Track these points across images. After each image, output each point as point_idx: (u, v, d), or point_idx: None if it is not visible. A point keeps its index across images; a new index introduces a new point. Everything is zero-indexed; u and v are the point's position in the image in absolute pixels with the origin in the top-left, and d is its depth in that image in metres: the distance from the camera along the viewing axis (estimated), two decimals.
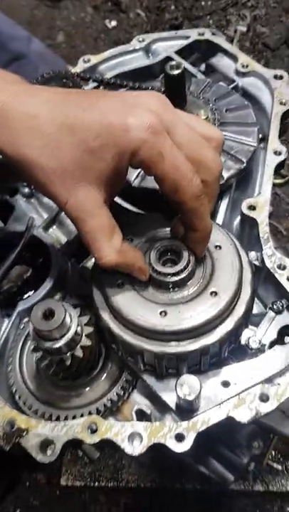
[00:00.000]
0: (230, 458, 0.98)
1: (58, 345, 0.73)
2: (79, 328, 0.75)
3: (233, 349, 0.82)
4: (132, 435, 0.74)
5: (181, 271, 0.78)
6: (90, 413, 0.80)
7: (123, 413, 0.84)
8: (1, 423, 0.77)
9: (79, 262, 1.03)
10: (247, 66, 1.22)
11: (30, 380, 0.85)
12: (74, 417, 0.79)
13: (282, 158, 1.05)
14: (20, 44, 1.66)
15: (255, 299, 0.88)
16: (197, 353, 0.75)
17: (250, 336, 0.83)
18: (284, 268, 0.89)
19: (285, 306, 0.87)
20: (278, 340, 0.86)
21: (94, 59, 1.30)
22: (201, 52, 1.33)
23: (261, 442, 1.04)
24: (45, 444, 0.75)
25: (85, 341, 0.77)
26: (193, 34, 1.32)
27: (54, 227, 1.06)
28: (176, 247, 0.82)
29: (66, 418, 0.80)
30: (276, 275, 0.89)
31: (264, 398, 0.76)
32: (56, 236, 1.05)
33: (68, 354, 0.75)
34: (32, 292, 0.94)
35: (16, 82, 0.75)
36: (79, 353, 0.76)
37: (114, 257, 0.73)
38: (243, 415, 0.75)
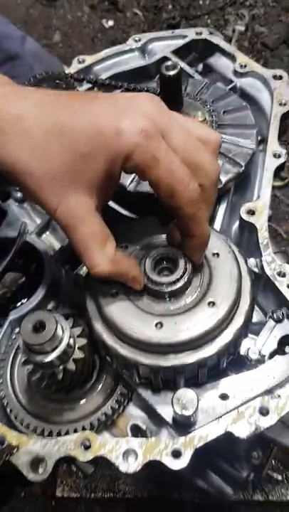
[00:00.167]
0: (229, 472, 0.95)
1: (49, 358, 0.70)
2: (71, 340, 0.73)
3: (231, 360, 0.79)
4: (126, 452, 0.71)
5: (178, 280, 0.75)
6: (83, 428, 0.77)
7: (118, 427, 0.81)
8: None
9: (73, 269, 1.00)
10: (245, 66, 1.20)
11: (22, 393, 0.82)
12: (67, 432, 0.76)
13: (281, 160, 1.02)
14: (14, 44, 1.62)
15: (255, 306, 0.85)
16: (194, 366, 0.73)
17: (249, 346, 0.81)
18: (284, 275, 0.87)
19: (285, 314, 0.84)
20: (279, 350, 0.83)
21: (89, 59, 1.28)
22: (198, 52, 1.30)
23: (261, 452, 1.02)
24: (37, 462, 0.72)
25: (78, 354, 0.74)
26: (191, 33, 1.29)
27: (47, 232, 1.05)
28: (173, 254, 0.79)
29: (59, 433, 0.77)
30: (276, 283, 0.86)
31: (264, 412, 0.74)
32: (50, 242, 1.03)
33: (60, 367, 0.72)
34: (25, 300, 0.91)
35: (4, 83, 0.73)
36: (71, 366, 0.73)
37: (107, 267, 0.71)
38: (242, 430, 0.73)
